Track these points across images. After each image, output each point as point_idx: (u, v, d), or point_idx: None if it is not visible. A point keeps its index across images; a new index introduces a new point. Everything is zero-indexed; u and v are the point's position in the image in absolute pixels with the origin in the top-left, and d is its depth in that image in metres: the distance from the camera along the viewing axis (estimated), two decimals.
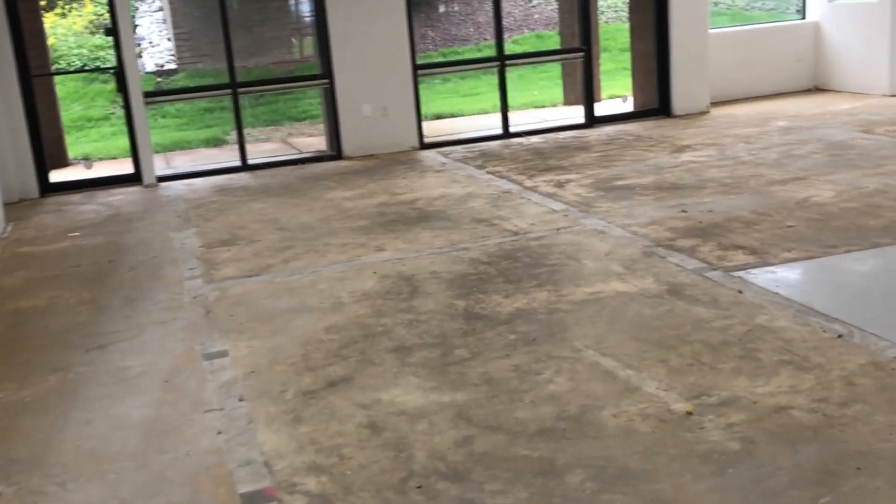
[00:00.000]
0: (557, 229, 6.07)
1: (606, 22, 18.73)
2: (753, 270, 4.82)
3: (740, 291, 4.48)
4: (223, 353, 4.36)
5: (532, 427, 3.25)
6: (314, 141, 11.51)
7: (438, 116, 13.00)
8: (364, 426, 3.41)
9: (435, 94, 14.36)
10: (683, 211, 6.22)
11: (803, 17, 11.92)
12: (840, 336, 3.73)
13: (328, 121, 10.02)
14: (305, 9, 13.11)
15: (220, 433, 3.47)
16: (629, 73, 11.99)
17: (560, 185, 7.51)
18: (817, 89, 11.72)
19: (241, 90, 9.74)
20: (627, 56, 15.85)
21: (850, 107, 10.16)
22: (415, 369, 3.89)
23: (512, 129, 10.32)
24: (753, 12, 18.47)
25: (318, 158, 9.85)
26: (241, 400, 3.78)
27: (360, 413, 3.52)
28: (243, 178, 9.27)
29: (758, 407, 3.14)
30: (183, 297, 5.35)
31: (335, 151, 9.83)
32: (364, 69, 9.66)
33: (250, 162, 9.73)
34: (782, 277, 4.68)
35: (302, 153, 10.67)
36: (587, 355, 3.83)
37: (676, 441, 3.04)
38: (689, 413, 3.15)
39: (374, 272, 5.44)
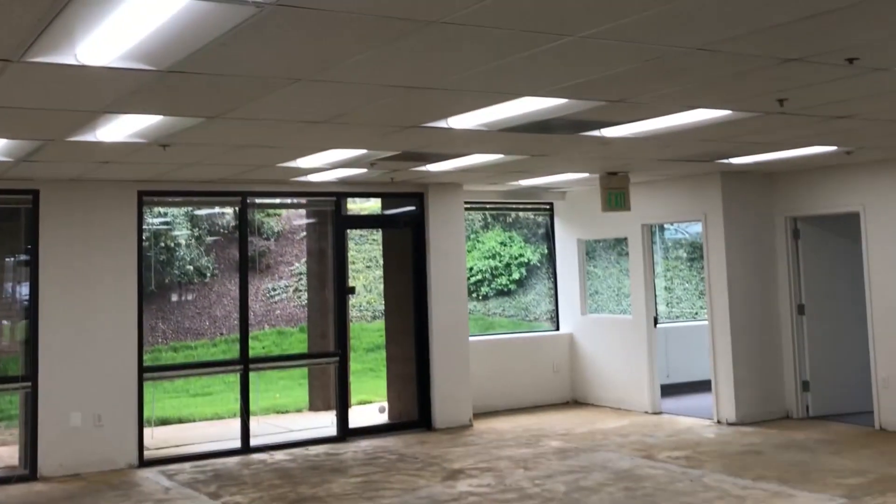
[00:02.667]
0: None
1: (352, 320, 18.10)
2: None
3: None
4: None
5: None
6: (4, 453, 9.25)
7: (164, 422, 11.18)
8: None
9: (161, 393, 12.55)
10: None
11: (557, 329, 11.67)
12: None
13: (25, 430, 8.02)
14: (24, 291, 10.69)
15: None
16: (377, 375, 11.03)
17: None
18: (576, 402, 11.24)
19: None
20: (373, 357, 15.02)
21: (618, 425, 9.61)
22: None
23: (253, 442, 8.80)
24: (495, 318, 18.58)
25: (3, 480, 7.71)
26: None
27: None
28: None
29: None
30: None
31: (28, 470, 7.78)
32: (78, 369, 7.96)
33: None
34: None
35: None
36: None
37: None
38: None
39: None
